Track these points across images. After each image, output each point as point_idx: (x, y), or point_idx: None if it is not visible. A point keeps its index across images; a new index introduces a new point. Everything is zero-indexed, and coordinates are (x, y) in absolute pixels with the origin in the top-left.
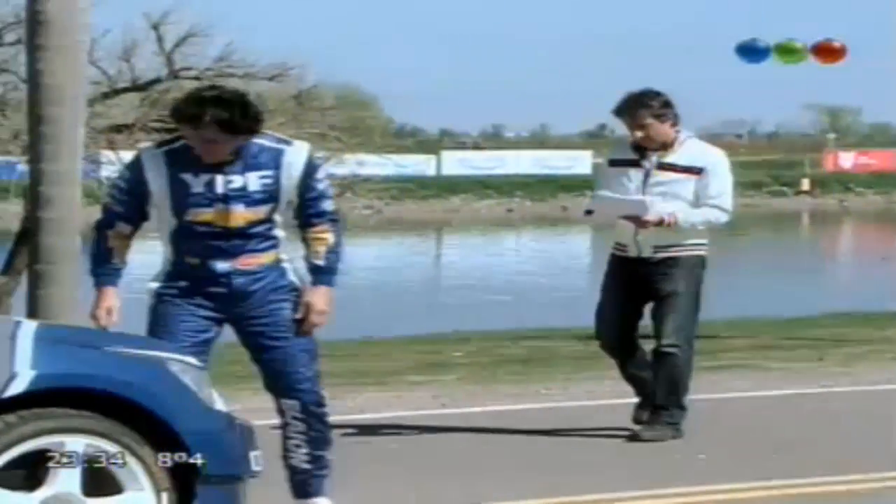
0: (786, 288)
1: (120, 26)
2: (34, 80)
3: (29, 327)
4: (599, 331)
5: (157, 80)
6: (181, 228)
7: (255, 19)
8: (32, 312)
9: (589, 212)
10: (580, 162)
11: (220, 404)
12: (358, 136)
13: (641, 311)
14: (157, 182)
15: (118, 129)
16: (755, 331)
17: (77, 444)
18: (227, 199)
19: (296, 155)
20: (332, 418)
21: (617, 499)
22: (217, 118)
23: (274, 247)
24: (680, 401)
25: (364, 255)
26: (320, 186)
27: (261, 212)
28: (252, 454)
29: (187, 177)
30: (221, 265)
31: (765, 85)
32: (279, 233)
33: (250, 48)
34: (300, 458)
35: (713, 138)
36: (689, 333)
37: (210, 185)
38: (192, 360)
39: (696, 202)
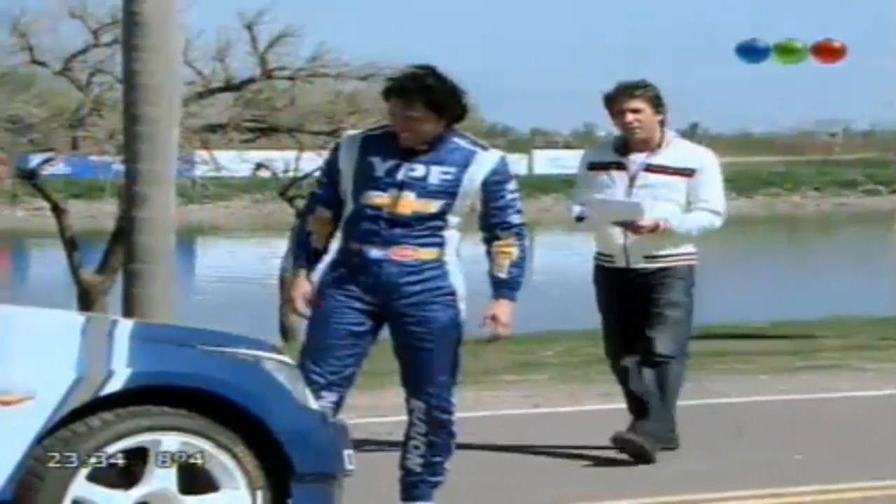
0: (881, 287)
1: (214, 27)
2: (130, 80)
3: (125, 326)
4: (611, 351)
5: (250, 80)
6: (354, 212)
7: (348, 19)
8: (127, 311)
9: (580, 218)
10: None
11: (313, 402)
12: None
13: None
14: (347, 166)
15: (212, 128)
16: (850, 330)
17: (173, 442)
18: (402, 185)
19: (486, 159)
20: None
21: (715, 499)
22: (427, 95)
23: (438, 245)
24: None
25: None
26: (508, 196)
27: (432, 205)
28: (346, 453)
29: (375, 160)
30: (375, 252)
31: (859, 82)
32: (449, 234)
33: (343, 48)
34: (415, 459)
35: (806, 137)
36: (684, 345)
37: (392, 170)
38: (285, 357)
39: (687, 206)
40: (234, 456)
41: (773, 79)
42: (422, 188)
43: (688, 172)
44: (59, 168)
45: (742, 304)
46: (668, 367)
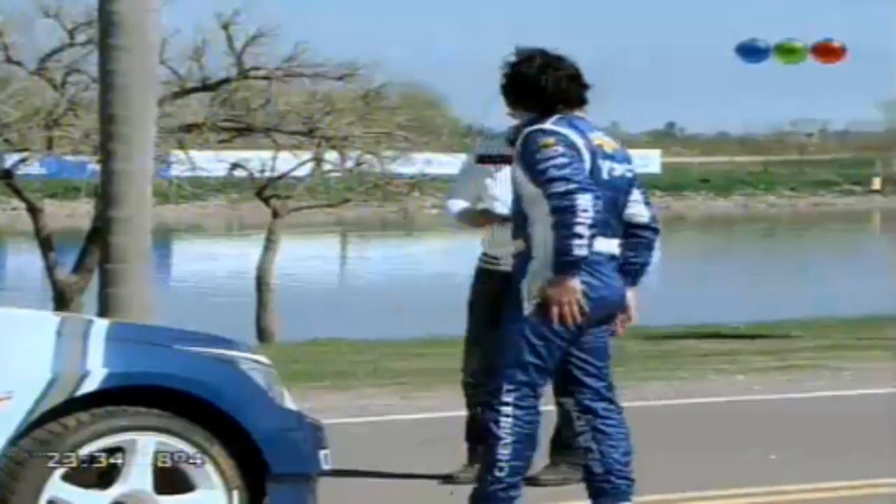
0: (857, 288)
1: (190, 26)
2: (106, 79)
3: (101, 326)
4: (466, 364)
5: (226, 80)
6: None
7: (325, 19)
8: (103, 311)
9: (505, 218)
10: (650, 161)
11: (289, 402)
12: (425, 135)
13: None
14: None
15: (188, 128)
16: (826, 331)
17: (149, 441)
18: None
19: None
20: (410, 416)
21: (692, 498)
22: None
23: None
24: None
25: (426, 254)
26: (535, 168)
27: None
28: (321, 452)
29: None
30: None
31: (836, 83)
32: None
33: (319, 48)
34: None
35: (782, 137)
36: None
37: None
38: (262, 358)
39: None
40: (210, 456)
41: (750, 79)
42: None
43: None
44: (34, 168)
45: (718, 304)
46: None
